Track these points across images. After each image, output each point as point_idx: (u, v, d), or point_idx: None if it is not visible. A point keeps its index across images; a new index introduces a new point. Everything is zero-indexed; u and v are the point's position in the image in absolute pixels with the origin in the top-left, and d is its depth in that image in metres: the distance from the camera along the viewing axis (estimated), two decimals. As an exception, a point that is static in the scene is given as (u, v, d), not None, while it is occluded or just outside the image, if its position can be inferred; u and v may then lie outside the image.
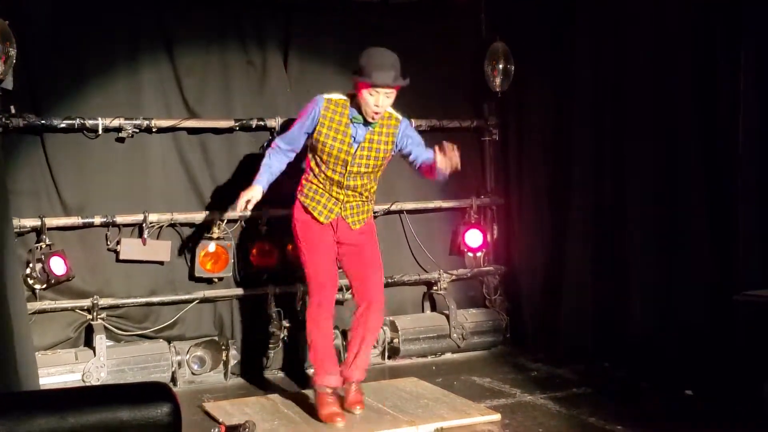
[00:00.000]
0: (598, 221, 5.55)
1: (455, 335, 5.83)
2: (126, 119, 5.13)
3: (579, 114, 5.63)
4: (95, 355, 4.97)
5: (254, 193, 4.40)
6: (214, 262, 5.35)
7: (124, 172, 5.25)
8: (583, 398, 4.69)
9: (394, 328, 5.73)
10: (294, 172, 5.41)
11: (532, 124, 6.02)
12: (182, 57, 5.34)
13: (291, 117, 5.11)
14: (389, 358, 5.73)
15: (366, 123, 4.33)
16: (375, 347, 5.40)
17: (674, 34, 5.04)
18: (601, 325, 5.49)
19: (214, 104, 5.44)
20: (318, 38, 5.73)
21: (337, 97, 4.36)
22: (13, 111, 4.85)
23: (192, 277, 5.38)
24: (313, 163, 4.45)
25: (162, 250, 5.26)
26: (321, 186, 4.42)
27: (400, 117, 4.48)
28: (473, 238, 6.11)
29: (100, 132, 5.09)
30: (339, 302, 5.68)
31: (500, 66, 6.02)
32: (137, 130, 5.17)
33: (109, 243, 5.18)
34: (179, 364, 5.18)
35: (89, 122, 5.06)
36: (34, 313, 4.88)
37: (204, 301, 5.42)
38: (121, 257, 5.19)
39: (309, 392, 4.95)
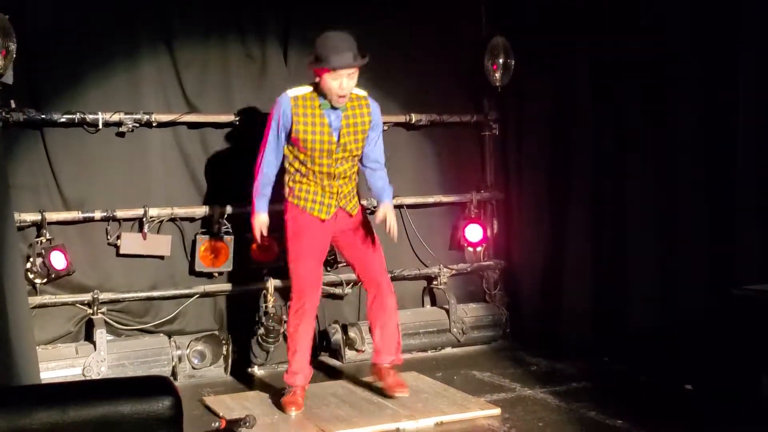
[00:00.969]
0: (597, 216, 5.55)
1: (455, 330, 5.84)
2: (126, 114, 5.13)
3: (579, 109, 5.62)
4: (96, 350, 4.97)
5: (263, 220, 4.55)
6: (215, 257, 5.36)
7: (124, 166, 5.26)
8: (582, 392, 4.69)
9: (394, 322, 5.72)
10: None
11: (532, 119, 6.01)
12: (182, 51, 5.34)
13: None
14: (389, 352, 5.72)
15: (334, 108, 4.34)
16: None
17: (675, 27, 5.03)
18: (601, 319, 5.50)
19: (213, 98, 5.44)
20: (318, 32, 5.67)
21: (302, 91, 4.38)
22: (13, 105, 4.85)
23: (192, 271, 5.39)
24: (297, 164, 4.45)
25: (162, 244, 5.27)
26: (311, 183, 4.42)
27: (368, 98, 4.51)
28: (473, 232, 6.11)
29: (100, 126, 5.10)
30: (339, 297, 5.71)
31: (500, 60, 6.01)
32: (137, 125, 5.18)
33: (109, 237, 5.18)
34: (179, 359, 5.19)
35: (89, 117, 5.06)
36: (34, 307, 4.87)
37: (204, 295, 5.43)
38: (122, 252, 5.19)
39: (310, 386, 4.96)
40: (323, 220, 4.46)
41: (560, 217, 5.77)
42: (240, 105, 5.47)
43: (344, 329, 5.59)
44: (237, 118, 5.41)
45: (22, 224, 4.93)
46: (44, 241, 4.97)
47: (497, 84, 6.05)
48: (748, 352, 4.05)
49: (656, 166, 5.22)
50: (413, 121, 5.92)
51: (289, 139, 4.40)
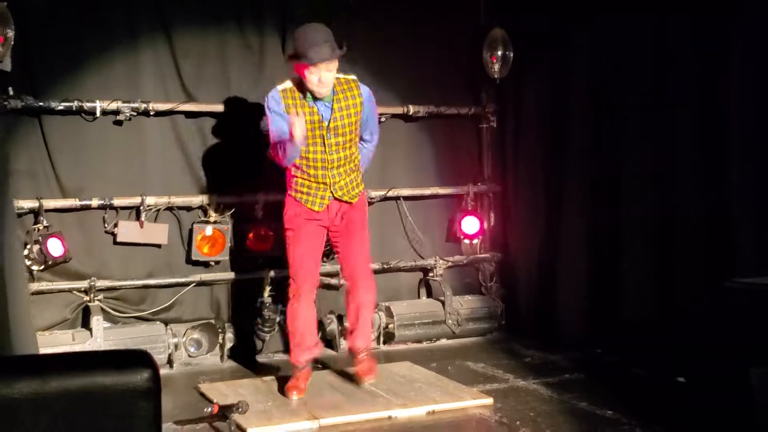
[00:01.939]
0: (594, 210, 5.56)
1: (450, 321, 5.86)
2: (124, 102, 5.15)
3: (577, 102, 5.63)
4: (92, 336, 5.00)
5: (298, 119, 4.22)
6: (211, 246, 5.38)
7: (121, 154, 5.28)
8: (575, 384, 4.72)
9: (389, 313, 5.75)
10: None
11: (530, 112, 6.02)
12: (180, 40, 5.36)
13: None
14: (384, 343, 5.75)
15: (316, 99, 4.34)
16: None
17: (674, 20, 5.04)
18: (596, 312, 5.51)
19: (211, 88, 5.45)
20: (316, 23, 5.71)
21: (287, 85, 4.39)
22: (10, 92, 4.87)
23: (189, 260, 5.42)
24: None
25: (159, 233, 5.29)
26: (307, 175, 4.43)
27: (357, 80, 4.49)
28: (470, 225, 6.13)
29: (98, 114, 5.12)
30: (334, 287, 5.72)
31: (499, 53, 6.02)
32: (135, 113, 5.20)
33: (106, 225, 5.21)
34: (176, 347, 5.21)
35: (87, 105, 5.08)
36: (31, 294, 4.90)
37: (201, 284, 5.46)
38: (119, 239, 5.22)
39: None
40: (317, 212, 4.48)
41: (556, 210, 5.78)
42: (238, 95, 5.49)
43: (339, 319, 5.61)
44: (234, 108, 5.42)
45: (19, 211, 4.95)
46: (41, 228, 4.99)
47: (495, 76, 6.06)
48: (737, 344, 4.07)
49: (653, 160, 5.22)
50: (411, 113, 5.94)
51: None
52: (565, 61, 5.70)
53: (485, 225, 6.22)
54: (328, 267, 5.62)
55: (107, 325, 5.14)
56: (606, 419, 4.09)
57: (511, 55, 6.00)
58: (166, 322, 5.30)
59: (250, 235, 5.46)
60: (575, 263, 5.64)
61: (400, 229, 6.04)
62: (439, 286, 5.99)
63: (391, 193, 5.92)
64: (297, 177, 4.48)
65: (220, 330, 5.35)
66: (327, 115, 4.36)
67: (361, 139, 4.60)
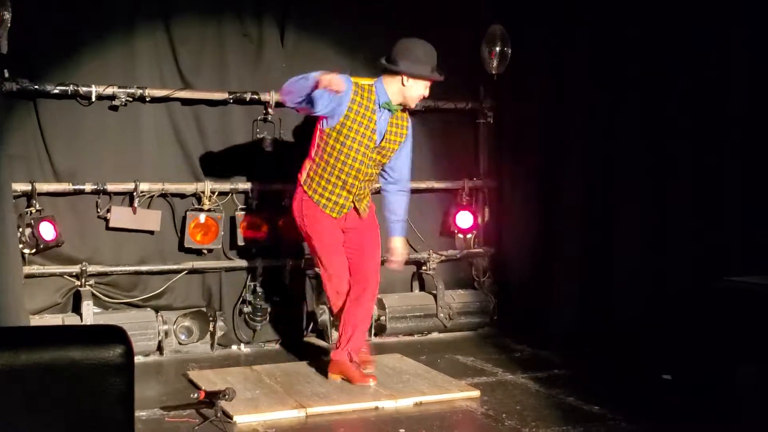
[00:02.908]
0: (588, 208, 5.57)
1: (442, 315, 5.86)
2: (120, 87, 5.13)
3: (574, 99, 5.63)
4: (82, 322, 4.99)
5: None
6: (204, 234, 5.37)
7: (116, 140, 5.27)
8: (563, 379, 4.72)
9: (381, 306, 5.74)
10: (284, 151, 5.45)
11: (527, 108, 6.01)
12: (178, 27, 5.33)
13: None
14: (376, 335, 5.75)
15: (389, 110, 4.37)
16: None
17: (674, 19, 5.04)
18: (588, 309, 5.52)
19: (208, 76, 5.44)
20: (316, 14, 5.72)
21: (365, 82, 4.37)
22: (6, 75, 4.85)
23: (181, 247, 5.41)
24: (326, 155, 4.40)
25: (152, 219, 5.29)
26: (333, 180, 4.40)
27: (408, 115, 4.59)
28: (464, 219, 6.12)
29: (94, 99, 5.10)
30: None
31: (497, 49, 5.98)
32: (131, 99, 5.18)
33: (99, 210, 5.20)
34: (166, 334, 5.21)
35: (83, 89, 5.07)
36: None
37: (193, 272, 5.45)
38: (111, 225, 5.21)
39: (293, 364, 5.02)
40: (334, 218, 4.49)
41: (551, 207, 5.78)
42: (235, 83, 5.48)
43: (331, 311, 5.61)
44: (231, 97, 5.41)
45: (12, 194, 4.94)
46: (34, 211, 4.98)
47: (494, 72, 6.02)
48: (725, 342, 4.08)
49: (648, 158, 5.23)
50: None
51: (332, 123, 4.33)
52: (563, 58, 5.69)
53: (479, 220, 6.22)
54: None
55: (97, 310, 5.14)
56: (592, 414, 4.10)
57: (510, 51, 5.98)
58: (157, 309, 5.29)
59: (244, 223, 5.45)
60: (568, 260, 5.64)
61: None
62: (431, 279, 5.99)
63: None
64: (322, 179, 4.42)
65: (211, 318, 5.35)
66: (382, 130, 4.38)
67: (390, 178, 4.59)
